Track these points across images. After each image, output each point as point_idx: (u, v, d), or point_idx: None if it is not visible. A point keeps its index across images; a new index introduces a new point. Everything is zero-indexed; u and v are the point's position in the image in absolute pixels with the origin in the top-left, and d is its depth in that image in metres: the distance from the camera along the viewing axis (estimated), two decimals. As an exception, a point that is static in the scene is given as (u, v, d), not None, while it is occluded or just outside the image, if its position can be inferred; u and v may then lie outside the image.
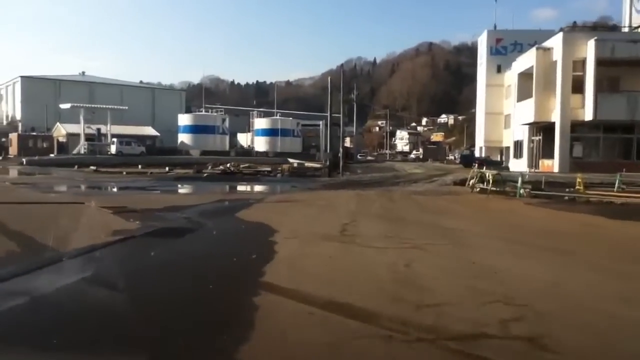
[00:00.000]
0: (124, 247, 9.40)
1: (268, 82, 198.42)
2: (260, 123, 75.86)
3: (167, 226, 11.77)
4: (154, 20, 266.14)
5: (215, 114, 73.78)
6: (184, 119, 72.00)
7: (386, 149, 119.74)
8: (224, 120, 72.37)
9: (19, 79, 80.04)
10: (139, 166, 46.38)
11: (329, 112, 46.70)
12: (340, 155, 45.88)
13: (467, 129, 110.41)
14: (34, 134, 67.86)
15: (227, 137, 73.50)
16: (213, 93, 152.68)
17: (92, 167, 41.59)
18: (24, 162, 51.35)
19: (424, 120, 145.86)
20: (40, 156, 56.10)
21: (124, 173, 37.26)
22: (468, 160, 56.91)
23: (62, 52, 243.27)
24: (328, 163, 44.59)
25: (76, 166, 45.02)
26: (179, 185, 28.69)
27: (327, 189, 24.40)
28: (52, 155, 58.95)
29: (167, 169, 42.72)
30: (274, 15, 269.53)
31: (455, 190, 23.67)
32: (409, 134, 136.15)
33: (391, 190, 23.37)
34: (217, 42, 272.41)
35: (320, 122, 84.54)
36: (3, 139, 69.43)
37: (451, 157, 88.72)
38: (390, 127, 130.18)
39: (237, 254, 8.77)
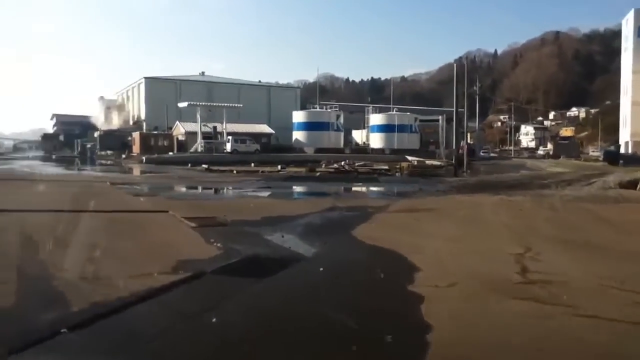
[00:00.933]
0: (175, 297, 5.86)
1: (383, 79, 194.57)
2: (376, 119, 71.87)
3: (255, 254, 8.13)
4: (269, 22, 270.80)
5: (329, 110, 70.79)
6: (298, 116, 69.73)
7: (509, 145, 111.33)
8: (338, 116, 69.21)
9: (143, 80, 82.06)
10: (252, 164, 44.26)
11: (454, 106, 41.44)
12: (464, 152, 40.68)
13: (601, 122, 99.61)
14: (155, 132, 68.64)
15: (342, 134, 70.29)
16: (328, 91, 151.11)
17: (204, 166, 39.80)
18: (144, 160, 51.23)
19: (552, 114, 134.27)
20: (159, 154, 56.01)
21: (235, 172, 34.88)
22: (613, 157, 49.43)
23: (185, 56, 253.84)
24: (454, 161, 39.73)
25: (189, 164, 43.70)
26: (288, 187, 25.49)
27: (461, 193, 19.97)
28: (170, 153, 58.78)
29: (279, 167, 40.06)
30: (388, 9, 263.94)
31: (628, 196, 18.30)
32: (534, 128, 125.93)
33: (544, 194, 18.46)
34: (332, 39, 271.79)
35: (440, 117, 79.12)
36: (129, 138, 71.08)
37: (592, 153, 79.49)
38: (514, 122, 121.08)
39: (357, 332, 4.86)
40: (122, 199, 16.09)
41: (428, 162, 50.47)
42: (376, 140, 70.73)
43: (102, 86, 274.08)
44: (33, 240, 8.75)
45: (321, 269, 7.20)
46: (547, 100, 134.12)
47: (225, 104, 62.83)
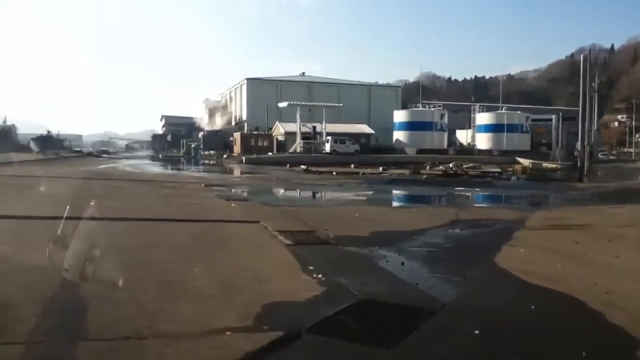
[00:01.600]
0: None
1: (487, 77, 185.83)
2: (483, 118, 67.32)
3: (370, 294, 5.69)
4: (367, 22, 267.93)
5: (432, 109, 67.18)
6: (400, 116, 66.72)
7: (628, 147, 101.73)
8: (442, 116, 65.46)
9: (245, 81, 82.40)
10: (352, 165, 42.08)
11: (580, 104, 36.97)
12: (584, 154, 36.09)
13: None
14: (255, 133, 68.28)
15: (445, 135, 66.43)
16: (429, 90, 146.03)
17: (303, 167, 38.08)
18: (243, 161, 50.57)
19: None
20: (259, 154, 55.26)
21: (334, 173, 32.81)
22: None
23: (286, 60, 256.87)
24: (577, 163, 35.35)
25: (288, 165, 42.23)
26: (394, 192, 22.92)
27: (605, 202, 16.50)
28: (269, 153, 57.90)
29: (380, 169, 37.55)
30: (491, 5, 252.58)
31: None
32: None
33: None
34: (432, 38, 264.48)
35: (553, 117, 73.09)
36: (230, 138, 71.40)
37: None
38: (634, 122, 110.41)
39: None
40: (212, 204, 14.27)
41: (545, 164, 45.90)
42: (483, 141, 66.25)
43: (208, 89, 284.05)
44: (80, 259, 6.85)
45: (476, 331, 4.62)
46: None
47: (325, 104, 61.13)
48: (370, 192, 21.36)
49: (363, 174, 33.56)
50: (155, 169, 36.45)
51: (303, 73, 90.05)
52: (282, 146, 62.14)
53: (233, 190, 20.13)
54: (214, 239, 8.84)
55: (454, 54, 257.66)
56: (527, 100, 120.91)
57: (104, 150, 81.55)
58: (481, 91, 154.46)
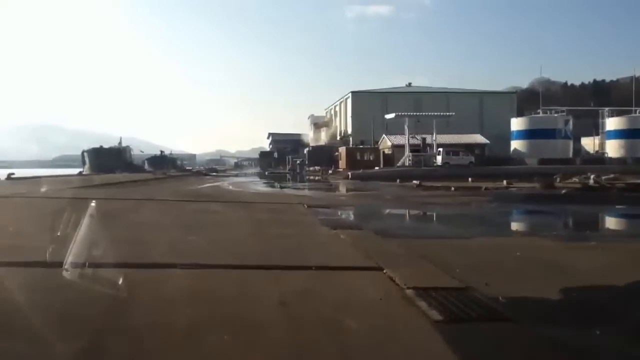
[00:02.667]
0: None
1: (608, 80, 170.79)
2: (614, 123, 59.86)
3: None
4: (472, 29, 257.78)
5: (555, 115, 60.64)
6: (518, 124, 60.91)
7: None
8: (566, 122, 58.87)
9: (350, 94, 79.82)
10: (469, 179, 37.58)
11: None
12: None
13: None
14: (361, 146, 65.18)
15: (570, 143, 59.71)
16: (543, 97, 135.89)
17: (415, 182, 34.21)
18: (349, 176, 47.56)
19: None
20: (365, 169, 52.07)
21: (452, 189, 28.70)
22: None
23: (391, 74, 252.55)
24: None
25: (398, 180, 38.52)
26: (541, 214, 18.61)
27: None
28: (376, 168, 54.52)
29: (504, 182, 32.79)
30: (607, 3, 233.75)
31: None
32: None
33: None
34: (546, 41, 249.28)
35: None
36: (335, 153, 68.91)
37: None
38: None
39: None
40: (315, 235, 11.02)
41: None
42: (614, 148, 58.82)
43: (314, 106, 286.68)
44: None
45: None
46: None
47: (435, 113, 56.82)
48: (511, 215, 17.31)
49: (486, 188, 29.12)
50: (259, 187, 34.13)
51: (409, 84, 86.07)
52: (389, 160, 58.61)
53: (340, 213, 16.89)
54: (314, 307, 5.48)
55: (570, 57, 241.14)
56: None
57: (212, 168, 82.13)
58: (602, 95, 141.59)
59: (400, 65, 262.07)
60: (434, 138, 54.78)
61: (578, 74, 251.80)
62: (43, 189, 21.87)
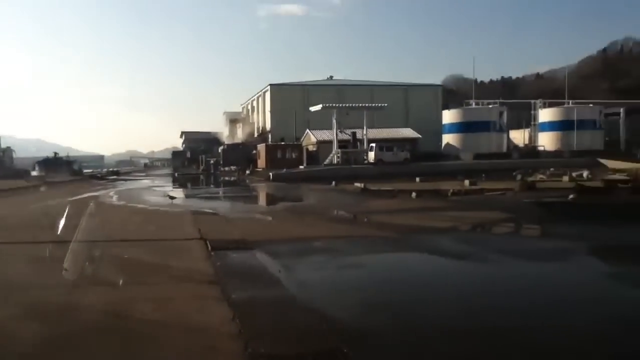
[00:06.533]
0: None
1: (514, 77, 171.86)
2: (548, 114, 54.60)
3: None
4: (385, 28, 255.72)
5: (489, 106, 54.57)
6: (450, 116, 54.28)
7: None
8: (501, 113, 52.81)
9: (268, 87, 70.70)
10: (417, 179, 29.84)
11: None
12: None
13: None
14: (282, 143, 56.32)
15: (505, 136, 53.81)
16: (456, 93, 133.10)
17: (358, 185, 25.89)
18: (271, 177, 38.69)
19: None
20: (288, 168, 43.37)
21: (413, 195, 20.61)
22: None
23: (308, 73, 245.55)
24: None
25: (333, 182, 30.10)
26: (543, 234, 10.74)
27: None
28: (301, 167, 45.97)
29: (466, 183, 25.18)
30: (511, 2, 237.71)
31: None
32: None
33: None
34: (456, 39, 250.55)
35: (621, 110, 60.03)
36: (253, 151, 59.65)
37: None
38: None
39: None
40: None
41: None
42: (547, 141, 53.55)
43: (229, 103, 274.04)
44: None
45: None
46: None
47: (366, 104, 48.95)
48: (517, 236, 9.52)
49: (453, 193, 21.27)
50: (153, 197, 24.44)
51: (331, 77, 78.04)
52: (314, 157, 50.24)
53: (265, 256, 8.26)
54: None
55: (479, 56, 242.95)
56: (560, 99, 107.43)
57: (112, 171, 70.43)
58: (509, 92, 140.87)
59: (317, 64, 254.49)
60: (364, 132, 46.96)
61: (486, 72, 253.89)
62: None
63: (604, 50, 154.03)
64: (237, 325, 5.16)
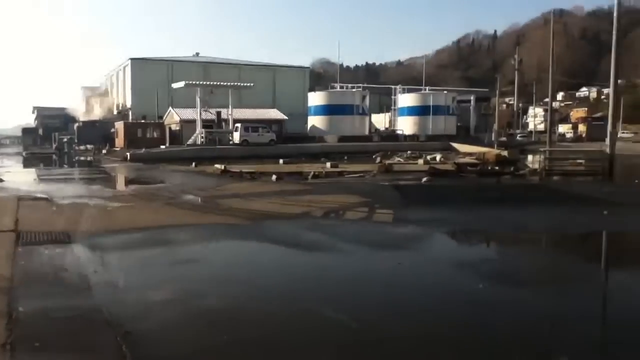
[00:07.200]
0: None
1: (377, 64, 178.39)
2: (407, 100, 56.81)
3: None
4: (256, 7, 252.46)
5: (353, 90, 55.42)
6: (316, 98, 54.38)
7: (517, 128, 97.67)
8: (363, 97, 53.89)
9: (129, 62, 65.89)
10: (281, 161, 29.15)
11: (550, 81, 26.40)
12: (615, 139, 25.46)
13: (615, 101, 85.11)
14: (143, 122, 52.79)
15: (367, 119, 55.11)
16: (323, 77, 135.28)
17: (218, 166, 24.53)
18: (128, 157, 35.79)
19: (560, 95, 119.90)
20: (148, 148, 40.56)
21: (274, 178, 19.78)
22: None
23: (174, 42, 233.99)
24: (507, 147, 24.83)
25: (193, 163, 28.43)
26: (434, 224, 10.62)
27: None
28: (162, 147, 43.30)
29: (328, 165, 24.94)
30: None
31: None
32: (544, 110, 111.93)
33: None
34: (322, 21, 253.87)
35: (471, 97, 64.41)
36: (112, 130, 55.25)
37: (622, 135, 63.25)
38: (520, 104, 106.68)
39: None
40: None
41: (495, 151, 35.05)
42: (406, 125, 55.81)
43: (87, 75, 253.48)
44: None
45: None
46: (554, 81, 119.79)
47: (232, 83, 47.19)
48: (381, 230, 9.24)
49: (314, 175, 20.83)
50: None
51: (197, 54, 74.72)
52: (177, 137, 47.65)
53: (85, 269, 6.82)
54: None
55: (346, 41, 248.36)
56: (419, 85, 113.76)
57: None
58: (373, 77, 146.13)
59: (184, 41, 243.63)
60: (229, 112, 45.28)
61: (352, 58, 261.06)
62: None
63: (458, 41, 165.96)
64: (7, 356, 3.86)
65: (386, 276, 6.92)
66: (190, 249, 8.61)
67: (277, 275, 7.19)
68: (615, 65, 22.46)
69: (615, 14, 22.67)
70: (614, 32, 22.35)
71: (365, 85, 58.95)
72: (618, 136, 30.38)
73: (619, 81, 32.06)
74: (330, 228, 10.49)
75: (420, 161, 25.93)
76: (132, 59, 65.54)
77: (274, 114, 54.66)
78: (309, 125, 54.67)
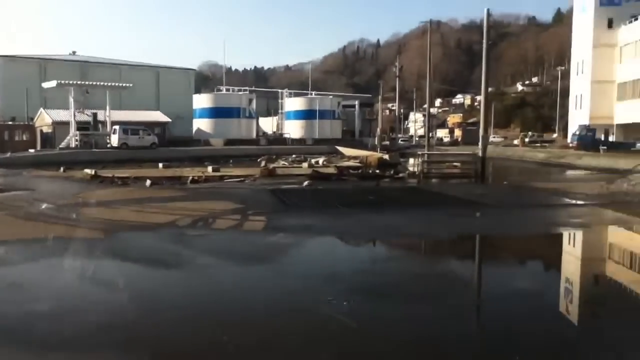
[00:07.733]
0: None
1: (266, 68, 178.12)
2: (294, 104, 56.81)
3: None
4: (141, 6, 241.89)
5: (240, 93, 54.33)
6: (202, 101, 52.72)
7: (399, 133, 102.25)
8: (250, 101, 53.00)
9: (-2, 58, 59.64)
10: (160, 165, 27.59)
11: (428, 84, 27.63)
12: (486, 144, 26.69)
13: (485, 108, 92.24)
14: (10, 123, 47.97)
15: (254, 122, 54.28)
16: (210, 79, 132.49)
17: (88, 171, 22.57)
18: (-9, 163, 32.11)
19: (438, 102, 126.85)
20: (14, 152, 36.82)
21: (148, 183, 18.45)
22: (591, 143, 39.10)
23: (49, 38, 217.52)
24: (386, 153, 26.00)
25: (62, 168, 26.07)
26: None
27: None
28: (32, 150, 39.56)
29: (209, 169, 23.98)
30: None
31: None
32: (423, 116, 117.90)
33: None
34: (214, 27, 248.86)
35: (356, 103, 65.88)
36: (-26, 132, 49.57)
37: (493, 139, 68.61)
38: (401, 110, 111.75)
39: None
40: None
41: (377, 155, 35.86)
42: (294, 129, 55.79)
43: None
44: None
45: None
46: (432, 88, 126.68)
47: (108, 84, 44.17)
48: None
49: (194, 180, 19.80)
50: None
51: (74, 52, 69.47)
52: (49, 140, 43.83)
53: None
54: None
55: (234, 44, 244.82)
56: (306, 90, 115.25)
57: None
58: (262, 81, 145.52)
59: (57, 38, 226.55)
60: (107, 114, 42.35)
61: (240, 61, 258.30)
62: None
63: (344, 48, 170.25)
64: None
65: (239, 295, 6.29)
66: (17, 270, 7.40)
67: (98, 300, 6.23)
68: (486, 74, 23.76)
69: (485, 27, 24.01)
70: (485, 44, 23.65)
71: (252, 88, 58.03)
72: (489, 140, 32.34)
73: (490, 89, 34.10)
74: (192, 239, 9.65)
75: (305, 165, 25.73)
76: (1, 56, 59.41)
77: (157, 116, 52.13)
78: (195, 128, 52.84)
